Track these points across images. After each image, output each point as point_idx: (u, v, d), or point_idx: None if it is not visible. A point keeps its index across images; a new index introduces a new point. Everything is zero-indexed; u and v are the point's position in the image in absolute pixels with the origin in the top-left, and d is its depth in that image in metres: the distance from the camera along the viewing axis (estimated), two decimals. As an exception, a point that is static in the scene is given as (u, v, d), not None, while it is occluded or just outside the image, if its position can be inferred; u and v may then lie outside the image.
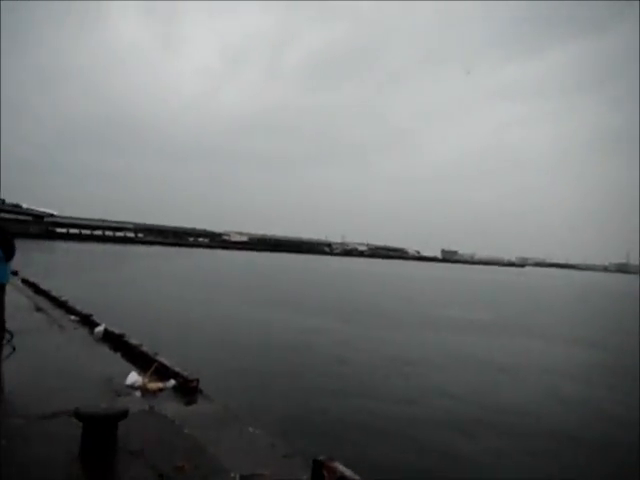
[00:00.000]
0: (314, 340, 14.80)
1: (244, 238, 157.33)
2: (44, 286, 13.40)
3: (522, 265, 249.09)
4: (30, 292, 13.23)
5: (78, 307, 10.43)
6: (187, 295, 24.21)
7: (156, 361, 6.78)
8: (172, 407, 5.44)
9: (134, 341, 7.75)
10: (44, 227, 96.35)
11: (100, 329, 8.53)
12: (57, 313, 10.25)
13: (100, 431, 4.03)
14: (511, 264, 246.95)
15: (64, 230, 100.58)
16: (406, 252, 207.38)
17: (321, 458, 4.16)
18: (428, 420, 8.64)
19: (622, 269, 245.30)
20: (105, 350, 7.68)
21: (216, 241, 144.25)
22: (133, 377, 6.12)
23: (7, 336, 7.35)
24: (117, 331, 8.34)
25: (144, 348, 7.37)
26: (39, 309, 10.56)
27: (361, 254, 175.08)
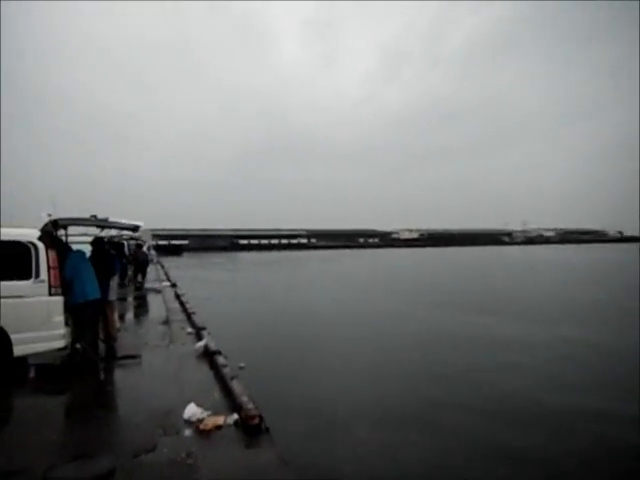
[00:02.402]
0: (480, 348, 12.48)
1: (414, 235, 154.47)
2: (185, 298, 13.73)
3: None
4: (176, 304, 13.68)
5: (197, 320, 10.17)
6: (343, 295, 23.51)
7: (227, 387, 5.76)
8: (216, 455, 4.25)
9: (221, 360, 6.89)
10: (229, 240, 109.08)
11: (200, 345, 7.92)
12: (179, 326, 10.09)
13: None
14: None
15: (245, 241, 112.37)
16: (605, 234, 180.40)
17: None
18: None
19: None
20: (195, 370, 6.93)
21: (386, 240, 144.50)
22: (191, 410, 5.13)
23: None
24: (213, 347, 7.63)
25: (226, 370, 6.41)
26: (165, 322, 10.59)
27: (547, 241, 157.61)
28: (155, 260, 34.95)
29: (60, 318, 6.51)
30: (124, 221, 7.33)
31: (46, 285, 6.34)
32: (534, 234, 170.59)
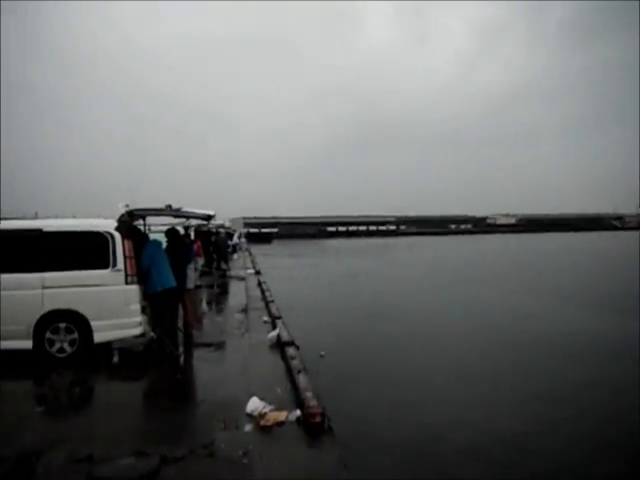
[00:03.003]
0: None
1: (511, 220, 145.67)
2: (266, 286, 13.89)
3: None
4: (257, 292, 13.88)
5: (274, 308, 10.16)
6: (440, 284, 22.53)
7: (294, 381, 5.54)
8: (273, 455, 4.03)
9: (291, 352, 6.71)
10: (317, 228, 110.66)
11: (273, 335, 7.82)
12: (256, 314, 10.15)
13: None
14: None
15: (333, 229, 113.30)
16: None
17: None
18: None
19: None
20: (265, 361, 6.82)
21: (480, 226, 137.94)
22: (254, 404, 4.98)
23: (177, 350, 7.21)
24: (286, 337, 7.49)
25: (295, 362, 6.21)
26: (244, 310, 10.71)
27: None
28: (244, 248, 36.24)
29: (137, 306, 6.70)
30: (197, 210, 7.39)
31: (122, 274, 6.54)
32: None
